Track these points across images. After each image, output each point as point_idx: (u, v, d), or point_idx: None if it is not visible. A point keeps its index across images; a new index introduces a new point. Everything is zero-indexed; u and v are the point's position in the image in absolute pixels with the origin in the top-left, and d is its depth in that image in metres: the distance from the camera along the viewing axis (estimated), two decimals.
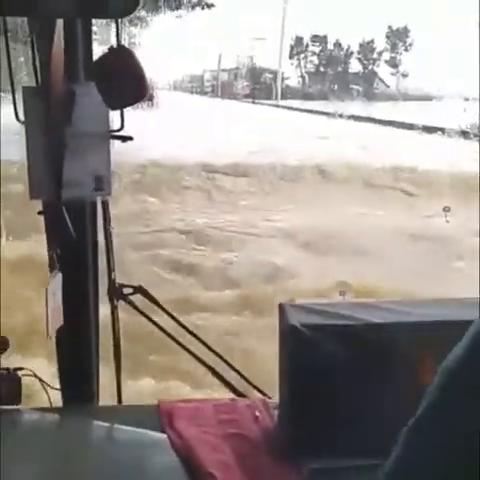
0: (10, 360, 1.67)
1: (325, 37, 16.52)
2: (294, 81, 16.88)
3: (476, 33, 9.43)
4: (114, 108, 1.49)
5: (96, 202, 1.69)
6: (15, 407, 1.63)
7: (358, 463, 1.42)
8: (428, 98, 15.10)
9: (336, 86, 16.57)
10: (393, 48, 16.44)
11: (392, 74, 16.70)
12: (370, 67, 16.54)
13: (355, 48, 16.67)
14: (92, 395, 1.78)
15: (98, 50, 1.56)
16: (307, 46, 16.79)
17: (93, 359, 1.77)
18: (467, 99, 10.99)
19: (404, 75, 16.59)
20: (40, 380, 1.69)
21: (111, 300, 1.78)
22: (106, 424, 1.64)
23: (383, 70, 16.61)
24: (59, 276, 1.58)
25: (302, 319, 1.51)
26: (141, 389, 3.95)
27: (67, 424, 1.65)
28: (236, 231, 8.03)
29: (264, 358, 3.61)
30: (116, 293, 1.77)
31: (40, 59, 1.51)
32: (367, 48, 16.64)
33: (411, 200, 9.25)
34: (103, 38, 1.75)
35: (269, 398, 1.77)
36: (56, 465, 1.51)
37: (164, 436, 1.55)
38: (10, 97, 1.51)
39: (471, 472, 0.78)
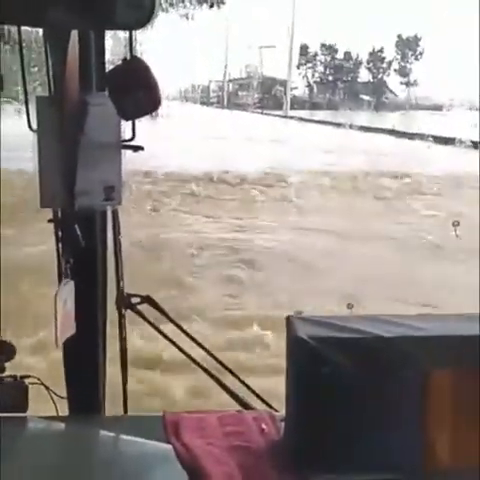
0: None
1: (334, 46, 16.49)
2: (301, 91, 16.82)
3: None
4: (127, 119, 1.50)
5: (106, 211, 1.70)
6: (22, 415, 1.63)
7: (365, 477, 1.42)
8: (438, 108, 15.08)
9: (345, 96, 16.53)
10: (403, 57, 16.37)
11: (402, 83, 16.63)
12: (379, 76, 16.47)
13: (364, 57, 16.62)
14: (98, 405, 1.78)
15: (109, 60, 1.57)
16: (315, 55, 16.74)
17: (100, 369, 1.77)
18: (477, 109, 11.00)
19: (414, 84, 16.51)
20: (46, 388, 1.69)
21: (119, 309, 1.78)
22: (111, 434, 1.64)
23: (393, 79, 16.57)
24: (71, 284, 1.59)
25: (310, 332, 1.50)
26: None
27: (73, 433, 1.65)
28: None
29: None
30: (124, 302, 1.77)
31: (54, 69, 1.52)
32: (377, 57, 16.58)
33: None
34: (114, 49, 1.76)
35: (276, 411, 1.76)
36: (61, 474, 1.51)
37: (169, 447, 1.55)
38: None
39: None
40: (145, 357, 4.61)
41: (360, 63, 16.86)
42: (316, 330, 1.52)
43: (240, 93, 16.68)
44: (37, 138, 1.54)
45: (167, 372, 4.80)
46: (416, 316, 1.60)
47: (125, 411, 1.85)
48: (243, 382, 1.89)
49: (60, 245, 1.60)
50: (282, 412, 1.62)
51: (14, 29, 1.46)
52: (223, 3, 10.55)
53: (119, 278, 1.77)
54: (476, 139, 10.57)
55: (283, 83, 16.54)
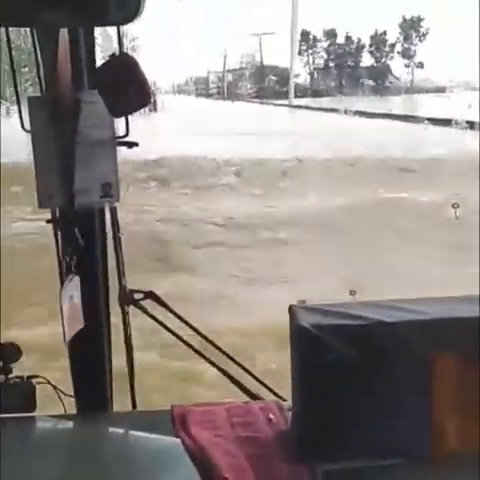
0: None
1: (335, 31, 16.29)
2: (302, 78, 16.62)
3: None
4: (117, 115, 1.49)
5: (104, 209, 1.69)
6: (30, 414, 1.64)
7: (373, 464, 1.42)
8: (440, 90, 14.94)
9: (348, 82, 16.37)
10: (406, 39, 16.14)
11: (406, 66, 16.42)
12: (383, 60, 16.29)
13: (367, 41, 16.42)
14: (106, 402, 1.79)
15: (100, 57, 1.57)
16: (316, 41, 16.52)
17: (106, 366, 1.78)
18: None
19: (419, 66, 16.29)
20: (54, 387, 1.70)
21: (122, 306, 1.78)
22: (120, 430, 1.65)
23: (396, 62, 16.37)
24: (76, 279, 1.60)
25: (312, 320, 1.50)
26: None
27: (82, 431, 1.66)
28: None
29: None
30: (127, 299, 1.77)
31: (44, 68, 1.52)
32: (379, 40, 16.37)
33: None
34: (105, 45, 1.75)
35: (283, 400, 1.76)
36: (71, 472, 1.52)
37: (178, 441, 1.56)
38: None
39: None
40: None
41: (362, 47, 16.66)
42: (318, 318, 1.52)
43: (240, 83, 16.43)
44: (31, 138, 1.54)
45: None
46: (416, 300, 1.59)
47: (133, 407, 1.86)
48: (249, 372, 1.89)
49: (60, 245, 1.61)
50: (289, 401, 1.62)
51: (2, 29, 1.45)
52: None
53: (120, 275, 1.77)
54: (471, 119, 10.51)
55: (277, 72, 16.32)
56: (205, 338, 1.86)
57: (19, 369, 1.66)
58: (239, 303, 5.99)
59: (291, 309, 1.55)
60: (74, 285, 1.60)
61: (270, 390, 1.88)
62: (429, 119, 12.24)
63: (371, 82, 16.32)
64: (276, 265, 7.04)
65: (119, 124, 1.58)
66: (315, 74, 16.59)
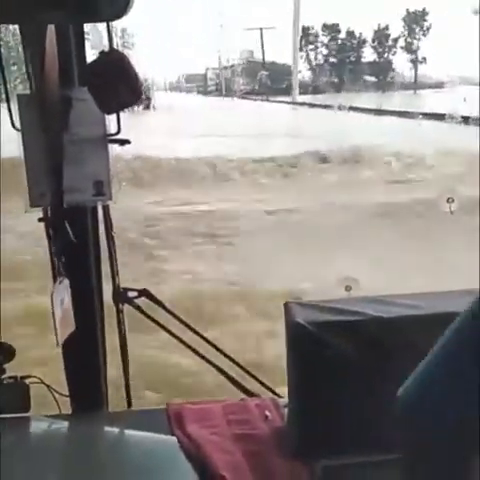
0: None
1: (336, 26, 16.15)
2: (301, 75, 16.45)
3: None
4: (107, 112, 1.47)
5: (97, 207, 1.68)
6: (25, 414, 1.63)
7: (369, 459, 1.41)
8: (439, 85, 14.89)
9: (350, 77, 16.27)
10: (410, 33, 16.01)
11: (409, 61, 16.31)
12: (385, 55, 16.19)
13: (369, 36, 16.27)
14: (101, 401, 1.77)
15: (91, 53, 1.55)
16: (317, 36, 16.37)
17: (101, 365, 1.76)
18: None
19: (423, 62, 16.18)
20: (48, 387, 1.69)
21: (116, 304, 1.77)
22: (116, 429, 1.64)
23: (399, 57, 16.26)
24: (66, 282, 1.58)
25: (308, 317, 1.49)
26: None
27: (77, 431, 1.65)
28: None
29: None
30: (121, 297, 1.76)
31: (33, 66, 1.50)
32: (382, 35, 16.24)
33: None
34: (96, 41, 1.73)
35: (279, 397, 1.75)
36: (67, 472, 1.51)
37: (174, 439, 1.55)
38: None
39: None
40: None
41: (364, 42, 16.56)
42: (314, 315, 1.51)
43: (240, 80, 16.25)
44: (21, 137, 1.53)
45: None
46: (411, 295, 1.58)
47: (128, 406, 1.85)
48: (245, 369, 1.88)
49: (52, 244, 1.59)
50: (285, 398, 1.61)
51: None
52: None
53: (114, 273, 1.76)
54: (467, 114, 10.48)
55: (286, 67, 16.18)
56: (199, 334, 1.86)
57: None
58: None
59: (286, 305, 1.54)
60: (64, 287, 1.57)
61: (265, 386, 1.87)
62: (424, 114, 12.23)
63: (373, 78, 16.22)
64: None
65: (111, 122, 1.56)
66: (317, 70, 16.48)
